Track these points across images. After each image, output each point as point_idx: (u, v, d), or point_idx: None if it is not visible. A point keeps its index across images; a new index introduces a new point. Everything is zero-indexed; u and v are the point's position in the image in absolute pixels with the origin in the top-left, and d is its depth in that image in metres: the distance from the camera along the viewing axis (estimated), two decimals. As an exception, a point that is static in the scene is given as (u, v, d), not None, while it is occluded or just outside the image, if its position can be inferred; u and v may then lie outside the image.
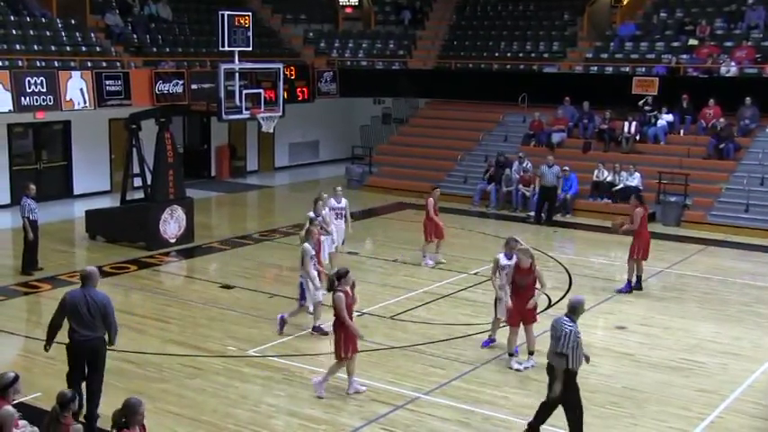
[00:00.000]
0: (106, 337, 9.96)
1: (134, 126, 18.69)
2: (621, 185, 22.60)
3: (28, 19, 23.32)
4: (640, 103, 24.82)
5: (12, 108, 20.37)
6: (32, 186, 16.67)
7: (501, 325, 12.44)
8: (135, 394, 10.08)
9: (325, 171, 30.53)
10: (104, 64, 23.24)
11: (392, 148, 28.79)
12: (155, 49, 25.39)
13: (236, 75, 18.41)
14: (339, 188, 17.03)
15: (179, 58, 25.39)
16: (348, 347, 10.56)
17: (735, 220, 21.29)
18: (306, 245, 12.88)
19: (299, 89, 27.42)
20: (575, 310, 9.22)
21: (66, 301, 9.94)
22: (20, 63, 21.26)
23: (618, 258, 18.49)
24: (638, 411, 10.58)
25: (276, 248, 18.86)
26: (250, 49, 18.80)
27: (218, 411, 10.32)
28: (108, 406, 10.21)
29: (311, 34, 31.68)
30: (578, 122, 25.94)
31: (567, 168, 23.13)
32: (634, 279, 15.75)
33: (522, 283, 11.74)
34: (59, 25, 23.82)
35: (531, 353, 11.94)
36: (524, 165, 23.81)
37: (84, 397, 9.88)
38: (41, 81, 20.80)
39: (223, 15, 17.89)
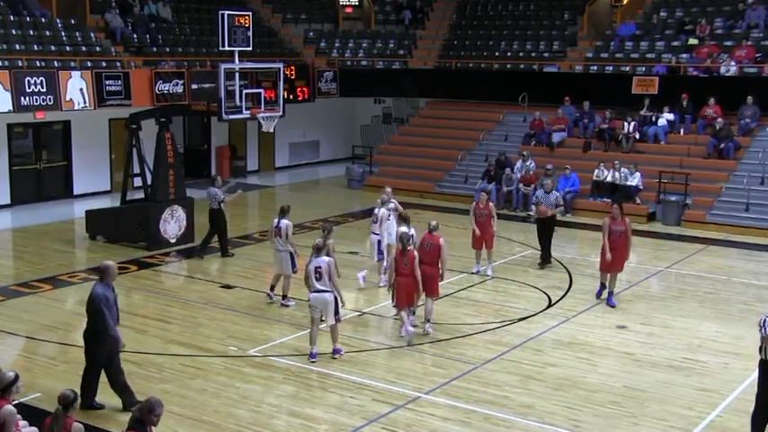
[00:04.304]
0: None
1: (134, 126, 18.67)
2: (620, 183, 22.62)
3: (28, 19, 23.29)
4: (642, 112, 24.82)
5: (12, 108, 20.35)
6: (219, 178, 18.03)
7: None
8: (136, 395, 10.17)
9: (326, 171, 30.54)
10: (104, 64, 23.22)
11: (392, 148, 28.79)
12: (155, 49, 25.37)
13: (237, 74, 18.43)
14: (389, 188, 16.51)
15: (179, 57, 25.38)
16: None
17: (735, 220, 21.28)
18: None
19: (299, 89, 27.43)
20: None
21: None
22: (20, 63, 21.23)
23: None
24: (639, 411, 10.58)
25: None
26: (250, 48, 18.81)
27: (220, 411, 10.32)
28: (109, 406, 10.29)
29: (311, 34, 31.68)
30: (578, 122, 25.94)
31: (568, 168, 23.18)
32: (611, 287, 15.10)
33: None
34: (59, 25, 23.79)
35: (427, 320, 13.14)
36: (528, 163, 23.84)
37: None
38: (41, 81, 20.78)
39: (223, 15, 17.90)
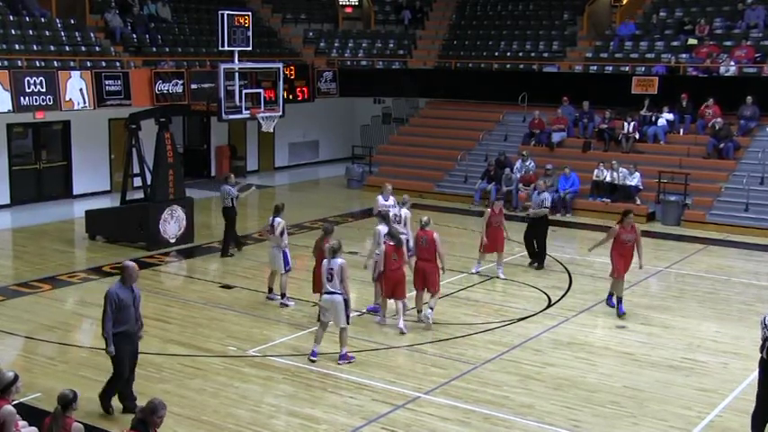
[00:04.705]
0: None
1: (134, 126, 18.67)
2: (618, 182, 22.66)
3: (27, 19, 23.30)
4: (642, 112, 24.85)
5: (11, 108, 20.36)
6: (232, 175, 18.37)
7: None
8: (136, 395, 10.16)
9: (326, 171, 30.55)
10: (104, 64, 23.22)
11: (392, 148, 28.79)
12: (154, 49, 25.37)
13: (236, 74, 18.43)
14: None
15: (179, 57, 25.38)
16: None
17: (734, 220, 21.29)
18: None
19: (298, 89, 27.44)
20: None
21: None
22: (19, 63, 21.24)
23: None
24: (638, 411, 10.58)
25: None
26: (250, 48, 18.82)
27: (219, 411, 10.32)
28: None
29: (311, 34, 31.69)
30: (578, 122, 25.95)
31: (567, 168, 23.19)
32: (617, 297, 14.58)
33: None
34: (59, 25, 23.80)
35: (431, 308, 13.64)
36: (527, 163, 23.87)
37: None
38: (41, 81, 20.79)
39: (223, 15, 17.90)
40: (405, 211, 15.55)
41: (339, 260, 11.78)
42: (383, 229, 13.91)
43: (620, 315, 14.26)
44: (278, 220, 14.56)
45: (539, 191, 17.51)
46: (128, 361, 10.06)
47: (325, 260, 11.96)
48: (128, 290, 9.92)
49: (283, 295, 14.50)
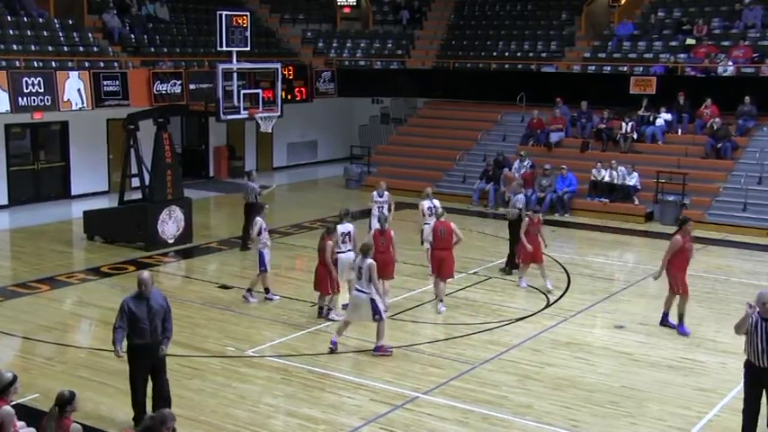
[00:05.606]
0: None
1: (132, 126, 18.67)
2: (617, 182, 22.68)
3: (25, 19, 23.27)
4: (640, 112, 24.85)
5: (9, 108, 20.34)
6: (254, 172, 19.00)
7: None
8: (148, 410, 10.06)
9: (324, 171, 30.54)
10: (102, 64, 23.21)
11: (391, 148, 28.78)
12: (153, 50, 25.36)
13: (235, 75, 18.40)
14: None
15: (177, 58, 25.37)
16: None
17: (733, 219, 21.29)
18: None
19: (297, 89, 27.43)
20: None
21: None
22: (17, 63, 21.22)
23: (616, 258, 18.44)
24: (637, 410, 10.58)
25: (274, 248, 18.68)
26: (248, 48, 18.78)
27: (217, 412, 10.31)
28: (108, 407, 10.28)
29: (309, 34, 31.68)
30: (576, 122, 25.95)
31: (564, 168, 23.18)
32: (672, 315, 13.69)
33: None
34: (57, 25, 23.78)
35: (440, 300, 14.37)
36: (525, 163, 23.87)
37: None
38: (39, 81, 20.77)
39: (221, 15, 17.88)
40: (436, 202, 16.18)
41: (369, 260, 12.15)
42: (342, 228, 14.03)
43: (686, 334, 13.36)
44: (257, 219, 14.81)
45: (514, 192, 17.25)
46: (142, 375, 9.72)
47: (357, 258, 12.50)
48: (142, 303, 9.51)
49: (249, 290, 14.74)
